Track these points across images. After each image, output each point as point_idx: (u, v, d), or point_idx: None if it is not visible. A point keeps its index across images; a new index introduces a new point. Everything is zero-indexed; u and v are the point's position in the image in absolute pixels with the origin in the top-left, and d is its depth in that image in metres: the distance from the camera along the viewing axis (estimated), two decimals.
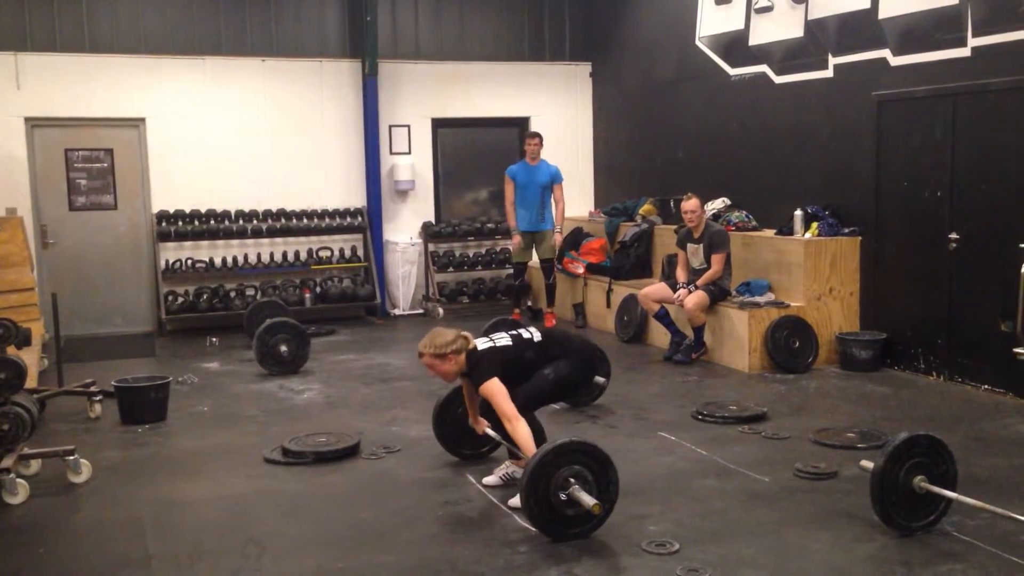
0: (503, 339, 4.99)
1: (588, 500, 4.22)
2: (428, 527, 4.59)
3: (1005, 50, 6.62)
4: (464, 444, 5.51)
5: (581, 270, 10.31)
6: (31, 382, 6.81)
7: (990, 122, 6.79)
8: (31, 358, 7.25)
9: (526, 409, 4.85)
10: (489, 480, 5.12)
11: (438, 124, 11.52)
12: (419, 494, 5.03)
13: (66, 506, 5.00)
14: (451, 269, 11.31)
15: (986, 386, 6.91)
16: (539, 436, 4.90)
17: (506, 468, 5.11)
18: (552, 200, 9.84)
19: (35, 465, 5.41)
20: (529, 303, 10.93)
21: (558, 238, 9.97)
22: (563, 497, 4.26)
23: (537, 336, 5.03)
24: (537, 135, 9.88)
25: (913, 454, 4.30)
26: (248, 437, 6.17)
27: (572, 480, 4.26)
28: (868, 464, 4.41)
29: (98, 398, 6.68)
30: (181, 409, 6.85)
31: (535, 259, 10.18)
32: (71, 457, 5.27)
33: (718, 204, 9.15)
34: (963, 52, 6.95)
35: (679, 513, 4.67)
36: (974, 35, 6.86)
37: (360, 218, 11.05)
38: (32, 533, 4.63)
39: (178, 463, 5.71)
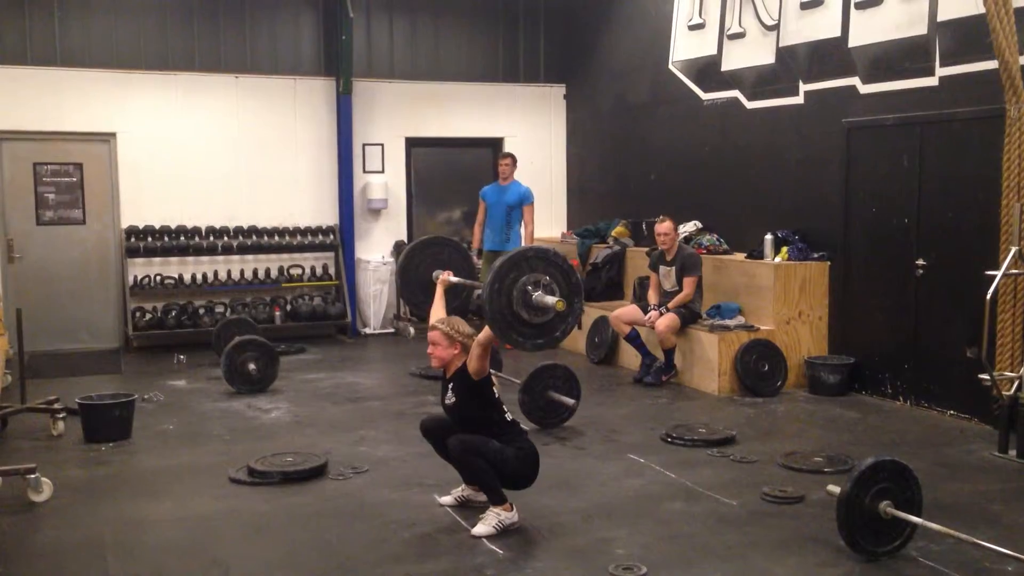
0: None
1: (550, 300, 4.23)
2: (394, 548, 4.55)
3: (972, 80, 6.73)
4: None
5: None
6: None
7: (957, 150, 6.89)
8: None
9: (471, 454, 4.65)
10: (445, 500, 5.09)
11: (412, 143, 11.53)
12: (386, 515, 4.99)
13: (26, 525, 4.91)
14: None
15: (952, 411, 6.97)
16: (488, 474, 4.70)
17: (462, 491, 5.08)
18: (522, 222, 9.81)
19: None
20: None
21: None
22: (527, 303, 4.27)
23: (510, 417, 4.92)
24: (509, 155, 9.86)
25: (879, 479, 4.31)
26: (214, 456, 6.09)
27: (531, 287, 4.28)
28: (835, 489, 4.43)
29: (61, 415, 6.58)
30: (146, 427, 6.76)
31: None
32: (32, 475, 5.18)
33: (690, 227, 9.20)
34: (931, 81, 7.05)
35: (647, 536, 4.66)
36: (942, 65, 6.96)
37: (332, 236, 11.01)
38: None
39: (141, 482, 5.63)
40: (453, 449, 4.72)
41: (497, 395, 4.86)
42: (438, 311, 5.36)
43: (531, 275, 4.40)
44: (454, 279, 5.22)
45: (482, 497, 4.88)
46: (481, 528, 4.66)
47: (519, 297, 4.39)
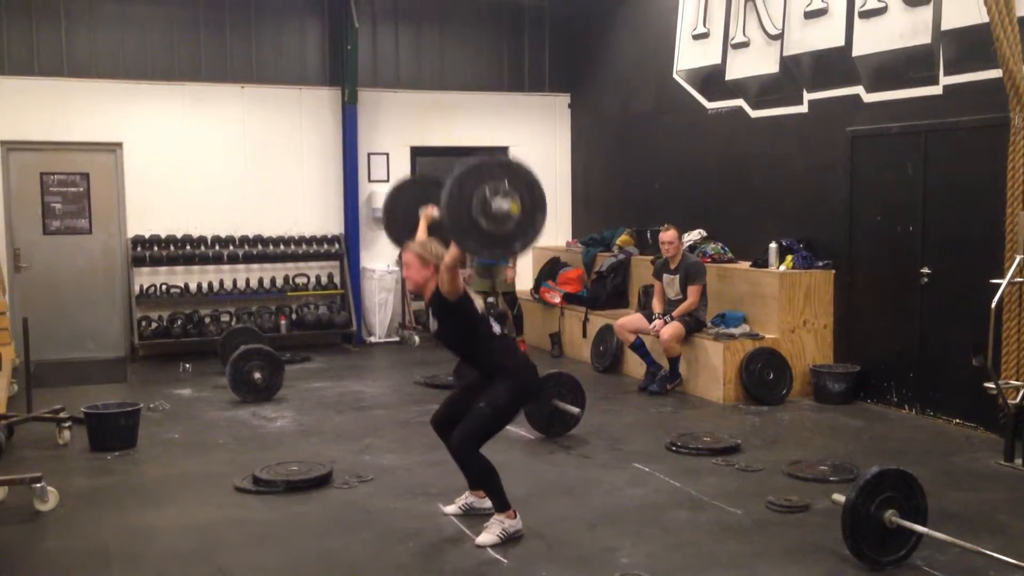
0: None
1: (505, 206, 4.20)
2: (399, 557, 4.55)
3: (976, 89, 6.73)
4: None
5: (558, 300, 10.32)
6: None
7: (961, 159, 6.89)
8: (0, 383, 7.17)
9: (471, 449, 4.69)
10: (449, 509, 5.09)
11: (417, 152, 11.55)
12: (390, 524, 4.99)
13: (32, 534, 4.92)
14: None
15: (957, 420, 6.96)
16: (492, 475, 4.73)
17: (466, 498, 5.08)
18: None
19: (1, 492, 5.32)
20: (505, 332, 10.92)
21: (510, 273, 9.74)
22: (486, 212, 4.22)
23: (497, 329, 4.94)
24: None
25: (884, 488, 4.31)
26: (219, 465, 6.10)
27: (490, 195, 4.23)
28: (840, 498, 4.42)
29: (67, 424, 6.60)
30: (152, 436, 6.77)
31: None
32: (38, 484, 5.19)
33: (694, 236, 9.20)
34: (935, 90, 7.06)
35: (651, 545, 4.66)
36: (946, 74, 6.97)
37: (337, 245, 11.04)
38: None
39: (147, 491, 5.64)
40: (454, 452, 4.73)
41: (481, 312, 4.80)
42: None
43: (492, 183, 4.28)
44: (438, 213, 5.18)
45: (487, 504, 4.88)
46: (485, 537, 4.65)
47: (478, 205, 4.27)
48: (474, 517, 4.97)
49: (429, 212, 5.21)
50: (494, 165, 4.37)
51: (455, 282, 4.61)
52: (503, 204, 4.21)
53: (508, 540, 4.65)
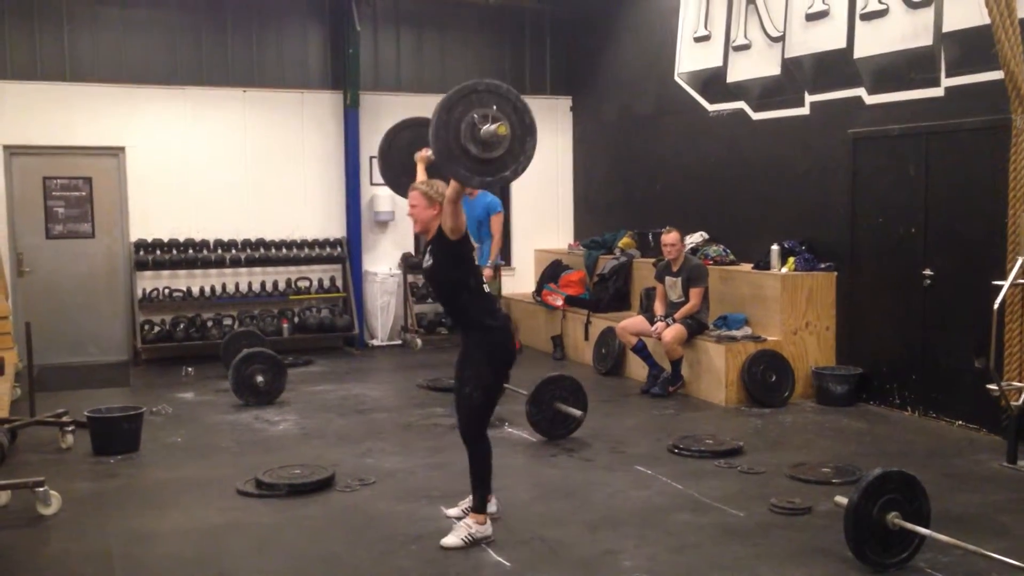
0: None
1: (492, 127, 4.15)
2: (402, 561, 4.55)
3: (978, 90, 6.73)
4: None
5: (560, 302, 10.32)
6: (2, 412, 6.76)
7: (963, 160, 6.89)
8: (3, 387, 7.19)
9: (478, 434, 4.74)
10: (452, 512, 5.08)
11: None
12: (393, 527, 4.99)
13: (34, 538, 4.92)
14: (430, 300, 11.29)
15: (960, 422, 6.95)
16: (487, 470, 4.78)
17: (468, 501, 5.00)
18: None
19: (4, 496, 5.32)
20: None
21: (487, 272, 9.61)
22: (475, 137, 4.17)
23: (487, 288, 4.90)
24: None
25: (887, 490, 4.31)
26: (221, 469, 6.10)
27: (479, 120, 4.17)
28: (842, 500, 4.42)
29: (70, 428, 6.61)
30: (154, 440, 6.78)
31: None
32: (41, 488, 5.19)
33: (696, 238, 9.20)
34: (937, 92, 7.06)
35: (654, 548, 4.65)
36: (948, 75, 6.97)
37: (339, 248, 11.04)
38: None
39: (149, 495, 5.64)
40: (464, 440, 4.76)
41: (477, 263, 4.78)
42: None
43: (480, 109, 4.22)
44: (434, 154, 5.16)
45: (491, 508, 4.88)
46: (451, 539, 4.67)
47: (467, 131, 4.21)
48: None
49: (424, 154, 5.20)
50: (482, 90, 4.28)
51: (457, 216, 4.56)
52: (491, 126, 4.15)
53: (473, 544, 4.65)
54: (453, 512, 5.09)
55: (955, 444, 6.54)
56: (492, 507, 4.93)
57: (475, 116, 4.20)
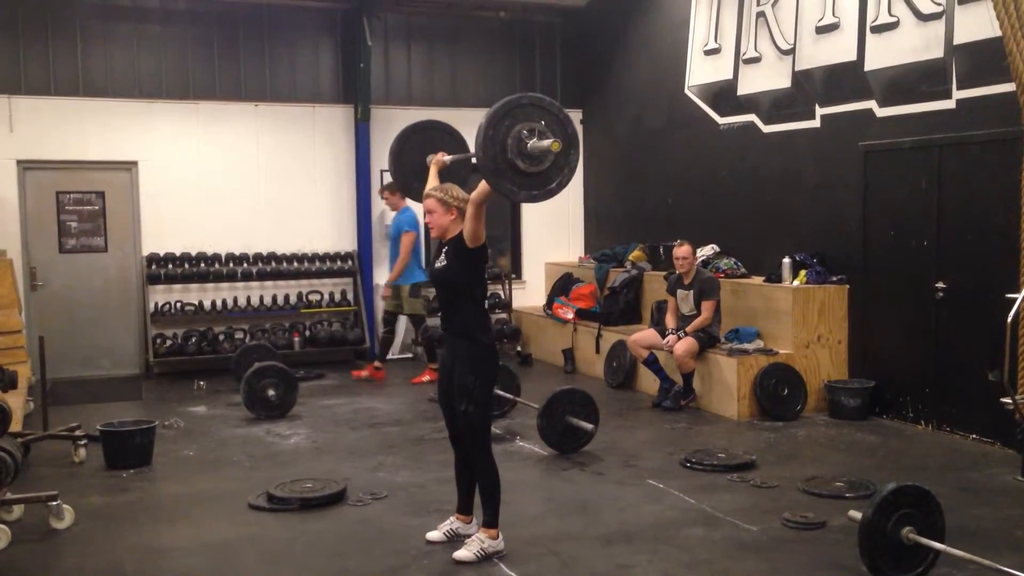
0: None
1: (545, 143, 4.13)
2: (413, 575, 4.54)
3: (989, 103, 6.72)
4: None
5: (570, 316, 10.32)
6: (16, 425, 6.76)
7: (975, 173, 6.87)
8: (17, 401, 7.21)
9: (484, 450, 4.72)
10: (432, 535, 4.97)
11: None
12: (405, 541, 4.98)
13: (48, 552, 4.93)
14: (439, 314, 11.27)
15: (974, 435, 6.91)
16: (496, 485, 4.75)
17: (451, 524, 5.00)
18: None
19: (18, 511, 5.34)
20: (519, 348, 10.95)
21: (386, 291, 9.46)
22: (522, 151, 4.16)
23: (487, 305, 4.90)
24: (384, 188, 9.64)
25: (901, 505, 4.28)
26: (233, 483, 6.11)
27: (526, 134, 4.16)
28: (856, 514, 4.40)
29: (83, 442, 6.63)
30: (166, 454, 6.79)
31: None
32: (54, 502, 5.21)
33: (707, 251, 9.19)
34: (948, 104, 7.05)
35: (666, 563, 4.64)
36: (959, 88, 6.96)
37: (350, 262, 11.07)
38: None
39: (162, 509, 5.65)
40: (471, 458, 4.75)
41: (487, 280, 4.75)
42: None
43: (526, 123, 4.22)
44: (448, 158, 5.14)
45: (471, 530, 4.88)
46: (463, 553, 4.66)
47: (514, 145, 4.21)
48: (461, 543, 4.86)
49: (439, 159, 5.19)
50: (526, 104, 4.28)
51: (477, 223, 4.56)
52: (542, 142, 4.13)
53: (485, 559, 4.63)
54: (434, 536, 4.96)
55: (969, 458, 6.50)
56: (472, 528, 4.91)
57: (523, 131, 4.19)
